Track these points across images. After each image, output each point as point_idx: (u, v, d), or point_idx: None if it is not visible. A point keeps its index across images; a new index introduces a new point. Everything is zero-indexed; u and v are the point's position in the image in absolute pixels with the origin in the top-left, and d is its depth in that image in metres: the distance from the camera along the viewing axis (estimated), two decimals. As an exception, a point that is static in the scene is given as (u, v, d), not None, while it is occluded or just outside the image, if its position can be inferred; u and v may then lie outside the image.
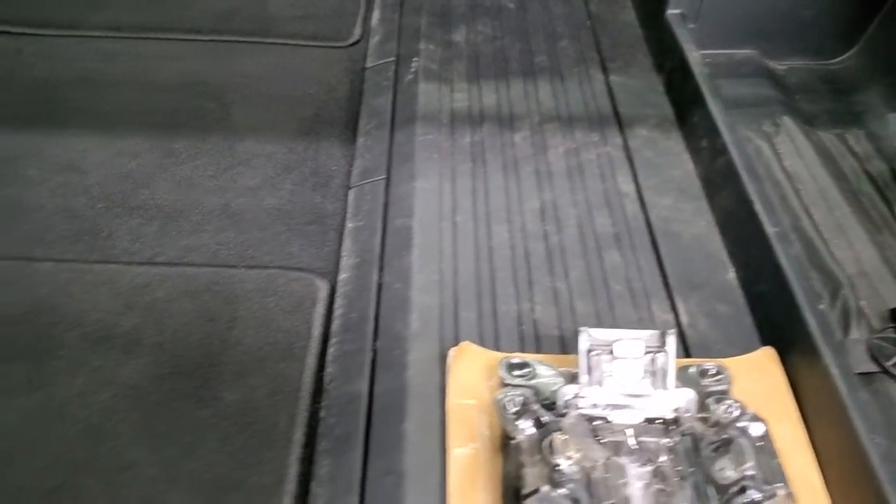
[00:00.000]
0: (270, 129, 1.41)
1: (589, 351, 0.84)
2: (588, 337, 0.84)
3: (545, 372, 0.88)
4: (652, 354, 0.84)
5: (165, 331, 1.02)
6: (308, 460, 0.87)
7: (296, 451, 0.89)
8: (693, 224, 1.16)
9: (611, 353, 0.84)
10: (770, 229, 1.04)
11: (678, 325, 1.01)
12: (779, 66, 1.52)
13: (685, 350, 0.98)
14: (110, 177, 1.29)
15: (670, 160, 1.28)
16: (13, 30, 1.60)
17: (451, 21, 1.62)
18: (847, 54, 1.51)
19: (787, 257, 1.00)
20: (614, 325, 0.99)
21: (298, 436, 0.90)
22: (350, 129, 1.41)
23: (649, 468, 0.78)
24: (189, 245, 1.17)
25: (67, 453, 0.88)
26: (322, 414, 0.91)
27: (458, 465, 0.82)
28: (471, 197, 1.20)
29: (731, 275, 1.08)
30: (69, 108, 1.42)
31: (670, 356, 0.84)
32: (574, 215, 1.17)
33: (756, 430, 0.81)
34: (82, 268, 1.11)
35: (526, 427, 0.80)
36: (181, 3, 1.70)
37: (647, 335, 0.85)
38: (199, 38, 1.62)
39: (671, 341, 0.84)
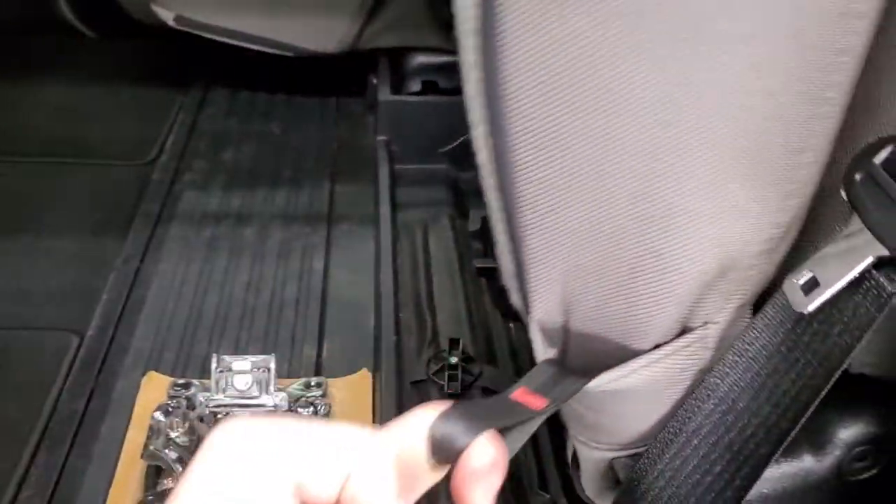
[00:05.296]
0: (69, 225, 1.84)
1: (218, 370, 1.27)
2: (217, 360, 1.28)
3: (200, 389, 1.31)
4: (265, 370, 1.28)
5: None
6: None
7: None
8: (357, 290, 1.62)
9: (230, 370, 1.27)
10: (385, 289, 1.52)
11: (319, 357, 1.46)
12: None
13: (319, 374, 1.42)
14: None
15: (356, 246, 1.75)
16: None
17: (224, 143, 2.09)
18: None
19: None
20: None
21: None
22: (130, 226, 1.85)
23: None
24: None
25: None
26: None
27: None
28: (198, 275, 1.64)
29: (371, 322, 1.54)
30: None
31: (271, 372, 1.27)
32: (270, 286, 1.62)
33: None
34: None
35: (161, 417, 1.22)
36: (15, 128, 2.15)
37: (260, 358, 1.29)
38: (25, 161, 2.05)
39: (272, 361, 1.28)
